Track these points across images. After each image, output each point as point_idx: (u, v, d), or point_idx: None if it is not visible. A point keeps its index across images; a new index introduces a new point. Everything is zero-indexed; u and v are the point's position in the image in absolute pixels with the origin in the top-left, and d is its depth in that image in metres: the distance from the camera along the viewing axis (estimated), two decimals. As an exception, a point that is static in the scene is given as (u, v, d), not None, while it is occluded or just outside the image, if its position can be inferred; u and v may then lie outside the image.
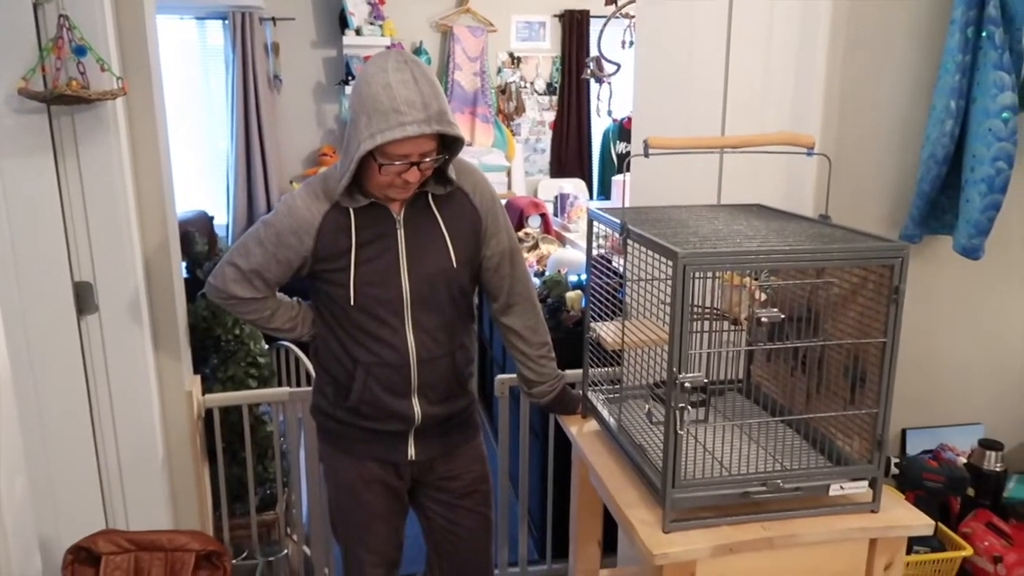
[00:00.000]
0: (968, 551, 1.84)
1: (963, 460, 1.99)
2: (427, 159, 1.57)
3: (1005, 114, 1.66)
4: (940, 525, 1.87)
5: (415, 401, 1.74)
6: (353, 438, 1.79)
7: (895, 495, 1.56)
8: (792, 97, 1.95)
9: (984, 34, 1.68)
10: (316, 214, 1.66)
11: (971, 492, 1.93)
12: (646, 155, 1.47)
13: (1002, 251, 1.99)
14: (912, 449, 2.07)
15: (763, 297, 1.47)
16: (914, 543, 1.81)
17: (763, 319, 1.40)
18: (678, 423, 1.33)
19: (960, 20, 1.70)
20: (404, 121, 1.49)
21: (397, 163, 1.54)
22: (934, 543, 1.85)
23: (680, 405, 1.33)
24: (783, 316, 1.42)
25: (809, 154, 1.57)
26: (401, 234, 1.68)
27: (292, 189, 4.92)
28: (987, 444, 1.97)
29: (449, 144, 1.62)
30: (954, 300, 2.06)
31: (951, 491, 1.85)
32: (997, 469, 1.95)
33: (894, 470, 1.83)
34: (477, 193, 1.75)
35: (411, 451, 1.79)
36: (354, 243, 1.65)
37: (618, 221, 1.54)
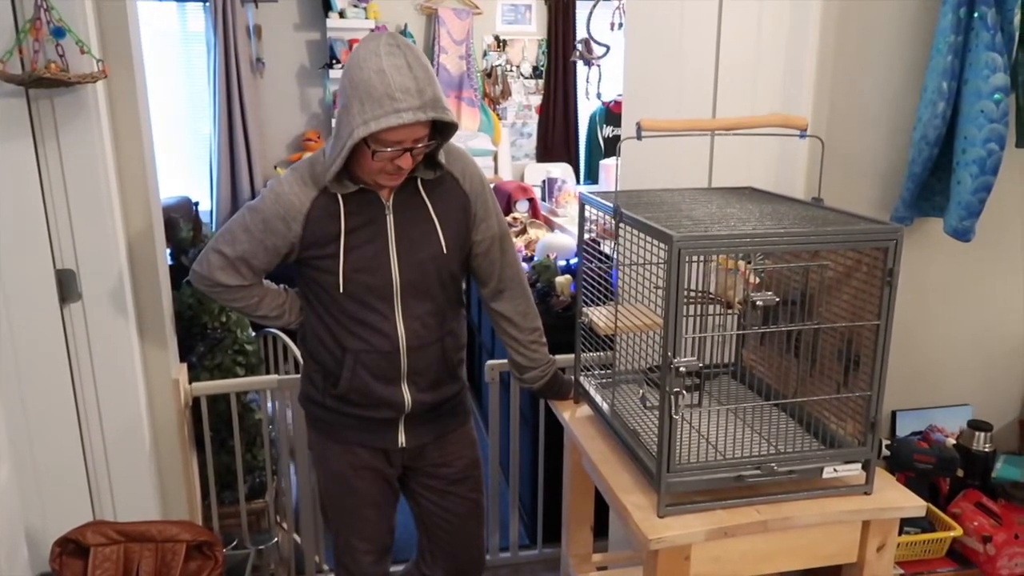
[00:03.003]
0: (958, 531, 1.86)
1: (952, 441, 2.00)
2: (419, 144, 1.55)
3: (997, 95, 1.66)
4: (930, 506, 1.88)
5: (405, 388, 1.72)
6: (343, 426, 1.78)
7: (887, 477, 1.57)
8: (783, 79, 1.94)
9: (976, 15, 1.67)
10: (304, 200, 1.63)
11: (960, 473, 1.95)
12: (639, 138, 1.46)
13: (993, 233, 1.99)
14: (902, 431, 2.08)
15: (756, 280, 1.47)
16: (904, 524, 1.83)
17: (758, 303, 1.39)
18: (673, 407, 1.33)
19: (952, 0, 1.69)
20: (399, 108, 1.46)
21: (390, 149, 1.52)
22: (924, 523, 1.87)
23: (675, 390, 1.32)
24: (777, 299, 1.42)
25: (802, 136, 1.56)
26: (390, 220, 1.66)
27: (277, 174, 4.87)
28: (976, 425, 1.99)
29: (441, 129, 1.60)
30: (943, 282, 2.07)
31: (941, 472, 1.86)
32: (986, 450, 1.97)
33: (885, 452, 1.84)
34: (466, 178, 1.73)
35: (401, 438, 1.78)
36: (343, 229, 1.63)
37: (611, 205, 1.53)
